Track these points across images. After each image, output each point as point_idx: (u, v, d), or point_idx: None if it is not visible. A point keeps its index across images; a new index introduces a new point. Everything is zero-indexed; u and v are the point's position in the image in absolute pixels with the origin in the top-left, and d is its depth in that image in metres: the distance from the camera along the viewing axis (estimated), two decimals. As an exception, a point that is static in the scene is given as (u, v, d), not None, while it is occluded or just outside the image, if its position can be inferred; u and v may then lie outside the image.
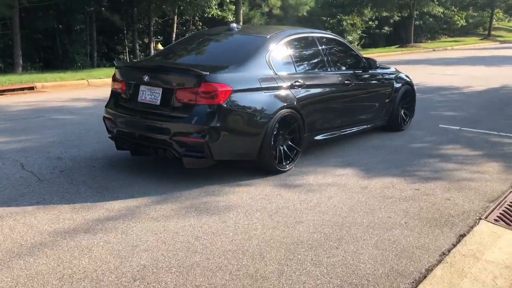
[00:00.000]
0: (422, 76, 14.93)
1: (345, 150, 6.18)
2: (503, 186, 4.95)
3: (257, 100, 4.90)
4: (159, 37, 22.62)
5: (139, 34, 21.77)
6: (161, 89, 4.81)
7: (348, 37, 34.37)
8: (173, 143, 4.67)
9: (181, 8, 19.82)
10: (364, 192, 4.72)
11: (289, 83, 5.24)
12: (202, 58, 5.63)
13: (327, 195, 4.60)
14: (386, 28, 39.90)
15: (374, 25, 38.59)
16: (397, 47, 33.21)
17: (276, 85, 5.10)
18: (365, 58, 6.81)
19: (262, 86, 4.96)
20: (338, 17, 34.28)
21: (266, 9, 26.15)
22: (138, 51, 20.30)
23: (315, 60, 6.04)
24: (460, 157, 6.03)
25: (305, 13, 27.13)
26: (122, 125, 5.09)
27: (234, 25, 6.10)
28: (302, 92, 5.41)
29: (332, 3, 34.88)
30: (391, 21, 39.45)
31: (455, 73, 16.39)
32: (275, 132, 5.04)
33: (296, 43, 5.81)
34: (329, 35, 6.65)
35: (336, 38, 6.75)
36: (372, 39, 39.11)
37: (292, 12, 26.82)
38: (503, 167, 5.62)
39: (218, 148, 4.69)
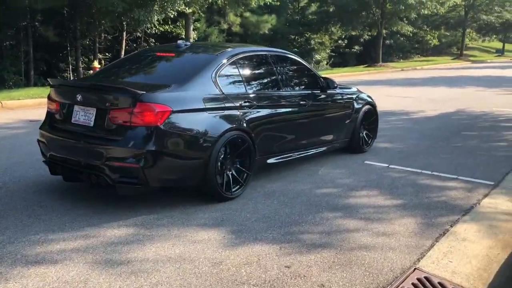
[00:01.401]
0: (378, 98, 13.58)
1: (227, 200, 4.86)
2: (406, 260, 3.66)
3: (201, 121, 4.56)
4: (107, 54, 21.28)
5: (85, 51, 20.40)
6: (95, 110, 4.47)
7: (316, 56, 33.55)
8: (105, 169, 4.28)
9: (124, 24, 18.50)
10: (212, 273, 3.38)
11: (238, 103, 4.94)
12: (143, 77, 5.25)
13: (154, 280, 3.25)
14: (356, 47, 39.22)
15: (343, 44, 37.89)
16: (365, 67, 32.35)
17: (222, 105, 4.77)
18: (323, 78, 6.45)
19: (207, 106, 4.63)
20: (306, 35, 33.41)
21: (225, 26, 24.97)
22: (81, 69, 18.86)
23: (268, 80, 5.71)
24: (371, 210, 4.75)
25: (266, 31, 26.01)
26: (54, 148, 4.72)
27: (182, 42, 5.64)
28: (253, 113, 5.10)
29: (299, 22, 34.02)
30: (361, 40, 38.78)
31: (413, 95, 15.32)
32: (222, 156, 4.73)
33: (247, 61, 5.45)
34: (284, 53, 6.18)
35: (292, 57, 6.30)
36: (342, 58, 38.37)
37: (253, 30, 25.70)
38: (419, 225, 4.35)
39: (155, 174, 4.31)
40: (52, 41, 18.12)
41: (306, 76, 6.36)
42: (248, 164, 5.07)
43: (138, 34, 22.05)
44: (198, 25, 23.72)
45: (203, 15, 23.20)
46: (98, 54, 20.22)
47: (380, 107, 12.04)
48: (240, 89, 5.15)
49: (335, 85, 6.39)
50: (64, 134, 4.68)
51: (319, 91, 6.29)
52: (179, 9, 16.79)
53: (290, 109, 5.68)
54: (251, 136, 5.03)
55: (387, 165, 6.47)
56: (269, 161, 5.48)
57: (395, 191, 5.34)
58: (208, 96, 4.71)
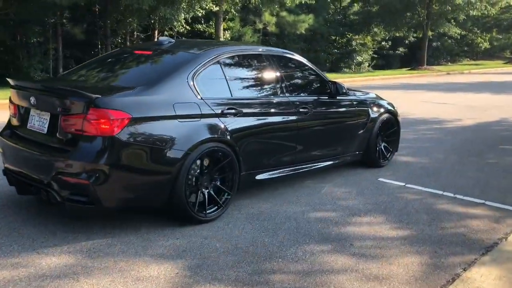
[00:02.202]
0: (411, 104, 12.80)
1: (201, 223, 4.17)
2: (395, 319, 2.87)
3: (169, 130, 3.90)
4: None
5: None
6: (49, 115, 3.93)
7: (357, 57, 32.37)
8: (54, 184, 3.71)
9: (153, 22, 18.12)
10: (142, 323, 2.70)
11: (219, 110, 4.26)
12: (110, 78, 4.56)
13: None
14: (401, 49, 37.66)
15: (387, 46, 36.45)
16: (408, 70, 30.96)
17: (198, 112, 4.11)
18: (331, 82, 5.61)
19: (178, 113, 3.96)
20: (347, 36, 32.31)
21: (260, 26, 24.28)
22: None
23: (261, 83, 5.00)
24: (369, 242, 3.95)
25: (303, 31, 25.10)
26: (9, 157, 4.25)
27: (165, 38, 5.07)
28: (239, 122, 4.41)
29: (340, 22, 32.92)
30: (406, 41, 37.24)
31: (451, 101, 14.17)
32: (196, 172, 4.11)
33: (236, 62, 4.79)
34: (284, 53, 5.45)
35: (295, 57, 5.52)
36: (385, 60, 36.94)
37: (289, 29, 24.87)
38: (424, 267, 3.53)
39: (109, 193, 3.70)
40: (80, 38, 17.97)
41: (311, 80, 5.61)
42: (230, 182, 4.39)
43: (170, 32, 21.67)
44: (232, 24, 23.13)
45: (237, 14, 22.60)
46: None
47: (411, 114, 11.17)
48: (224, 94, 4.46)
49: (344, 90, 5.56)
50: (19, 142, 4.17)
51: (326, 97, 5.52)
52: (207, 7, 16.24)
53: (286, 118, 4.94)
54: (235, 149, 4.34)
55: (403, 184, 5.62)
56: (259, 177, 4.76)
57: (405, 219, 4.51)
58: (182, 101, 4.04)
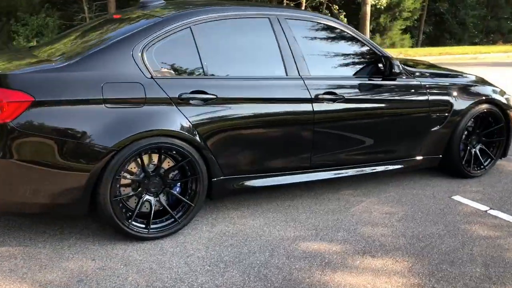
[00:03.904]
0: None
1: (143, 240, 3.19)
2: None
3: (89, 119, 2.95)
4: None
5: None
6: None
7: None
8: None
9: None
10: None
11: (176, 94, 3.16)
12: (54, 51, 3.52)
13: None
14: None
15: None
16: None
17: (141, 96, 3.07)
18: (385, 57, 3.94)
19: (107, 97, 2.98)
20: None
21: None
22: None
23: (255, 59, 3.64)
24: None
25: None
26: None
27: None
28: (211, 110, 3.27)
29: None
30: None
31: None
32: (140, 174, 3.17)
33: (220, 28, 3.50)
34: (311, 17, 3.96)
35: (326, 22, 3.98)
36: None
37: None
38: None
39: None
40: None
41: (351, 55, 4.06)
42: (191, 189, 3.32)
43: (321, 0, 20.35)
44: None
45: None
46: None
47: None
48: (194, 71, 3.33)
49: (397, 70, 3.87)
50: None
51: (377, 79, 3.96)
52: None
53: (295, 107, 3.59)
54: (200, 147, 3.23)
55: (486, 208, 3.86)
56: (250, 183, 3.55)
57: (454, 268, 2.93)
58: (115, 81, 3.04)
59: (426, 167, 4.44)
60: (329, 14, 20.69)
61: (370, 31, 21.01)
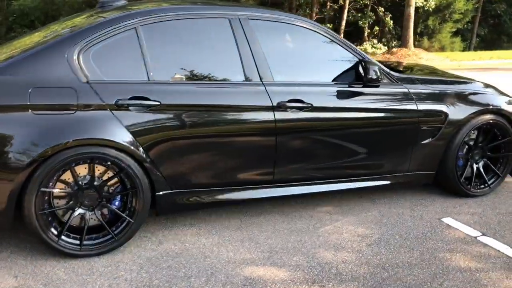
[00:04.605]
0: None
1: (76, 257, 2.97)
2: None
3: (12, 126, 2.76)
4: (328, 25, 19.70)
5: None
6: None
7: None
8: None
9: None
10: None
11: (113, 100, 2.91)
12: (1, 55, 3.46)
13: None
14: None
15: None
16: None
17: (73, 102, 2.83)
18: (365, 61, 3.52)
19: (35, 102, 2.77)
20: None
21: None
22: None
23: (207, 63, 3.32)
24: None
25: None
26: None
27: None
28: (153, 118, 3.00)
29: None
30: None
31: None
32: (74, 187, 2.95)
33: (172, 28, 3.23)
34: (277, 18, 3.56)
35: (298, 23, 3.57)
36: None
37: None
38: None
39: None
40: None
41: (323, 58, 3.69)
42: (132, 206, 3.06)
43: (366, 1, 19.72)
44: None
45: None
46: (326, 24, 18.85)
47: None
48: (136, 75, 3.04)
49: (373, 76, 3.41)
50: None
51: (356, 85, 3.54)
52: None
53: (253, 116, 3.27)
54: (139, 158, 2.97)
55: (478, 234, 3.38)
56: (203, 198, 3.27)
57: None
58: (45, 86, 2.84)
59: (421, 184, 4.00)
60: (374, 17, 20.05)
61: (418, 33, 20.16)
